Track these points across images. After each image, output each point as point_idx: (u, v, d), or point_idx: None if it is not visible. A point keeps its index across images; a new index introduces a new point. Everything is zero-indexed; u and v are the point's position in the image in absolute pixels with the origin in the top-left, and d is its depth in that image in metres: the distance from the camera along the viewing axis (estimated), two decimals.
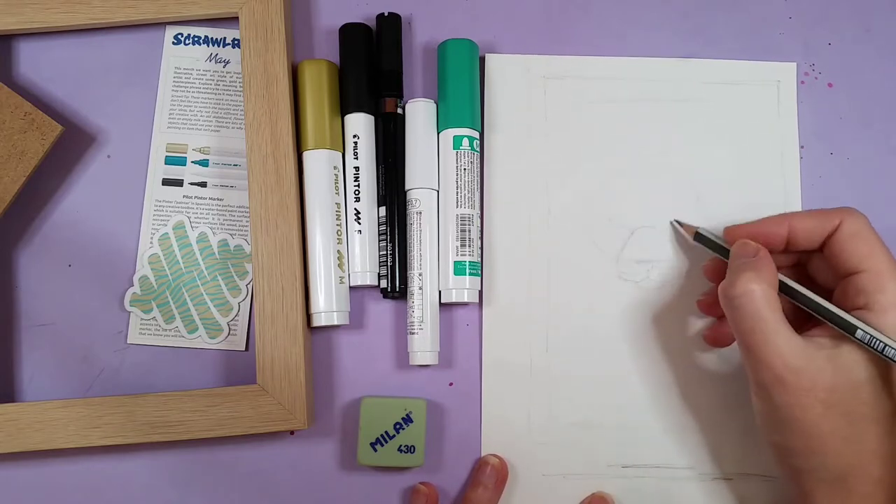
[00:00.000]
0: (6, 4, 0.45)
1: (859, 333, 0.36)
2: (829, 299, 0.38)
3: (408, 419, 0.43)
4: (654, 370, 0.46)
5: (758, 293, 0.36)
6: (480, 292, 0.46)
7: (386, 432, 0.43)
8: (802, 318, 0.39)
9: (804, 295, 0.38)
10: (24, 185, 0.44)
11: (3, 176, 0.44)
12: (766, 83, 0.48)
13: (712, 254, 0.43)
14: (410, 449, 0.43)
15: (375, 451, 0.43)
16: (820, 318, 0.38)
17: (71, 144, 0.47)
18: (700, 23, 0.49)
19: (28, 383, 0.46)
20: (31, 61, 0.48)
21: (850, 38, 0.49)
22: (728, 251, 0.41)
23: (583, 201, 0.47)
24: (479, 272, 0.45)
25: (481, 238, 0.46)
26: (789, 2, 0.49)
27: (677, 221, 0.46)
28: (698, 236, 0.43)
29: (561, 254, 0.46)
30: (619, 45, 0.48)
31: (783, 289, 0.38)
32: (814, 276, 0.42)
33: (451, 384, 0.46)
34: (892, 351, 0.35)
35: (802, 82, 0.48)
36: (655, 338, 0.46)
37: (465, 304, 0.46)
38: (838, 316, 0.37)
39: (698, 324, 0.46)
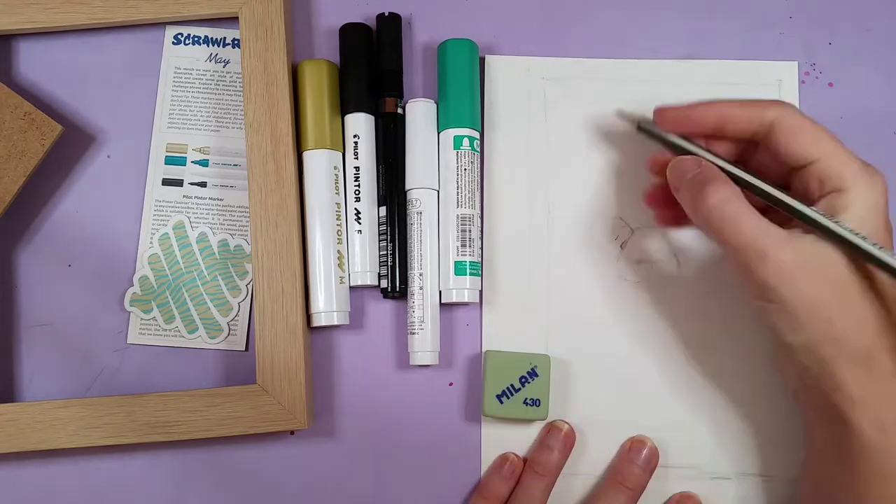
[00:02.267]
0: (6, 4, 0.45)
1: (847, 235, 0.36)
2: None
3: (533, 373, 0.44)
4: (653, 370, 0.46)
5: (727, 198, 0.37)
6: (480, 292, 0.46)
7: (511, 385, 0.44)
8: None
9: (766, 191, 0.38)
10: (24, 185, 0.44)
11: (3, 176, 0.44)
12: (767, 83, 0.48)
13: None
14: (536, 402, 0.43)
15: (501, 403, 0.43)
16: (776, 206, 0.38)
17: (71, 144, 0.47)
18: (700, 23, 0.49)
19: (28, 383, 0.46)
20: (31, 61, 0.48)
21: (850, 38, 0.49)
22: (671, 143, 0.41)
23: (583, 201, 0.47)
24: (480, 272, 0.46)
25: (481, 238, 0.46)
26: (789, 2, 0.49)
27: (621, 111, 0.45)
28: (640, 129, 0.43)
29: (561, 254, 0.46)
30: (619, 46, 0.48)
31: (753, 190, 0.38)
32: (760, 170, 0.41)
33: (451, 384, 0.46)
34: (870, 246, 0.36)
35: (803, 82, 0.48)
36: (655, 338, 0.46)
37: (465, 304, 0.46)
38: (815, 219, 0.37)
39: (698, 324, 0.46)
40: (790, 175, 0.39)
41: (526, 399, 0.44)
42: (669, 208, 0.44)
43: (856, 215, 0.36)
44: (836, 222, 0.36)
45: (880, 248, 0.36)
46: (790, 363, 0.39)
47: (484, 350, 0.46)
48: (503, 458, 0.45)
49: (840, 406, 0.37)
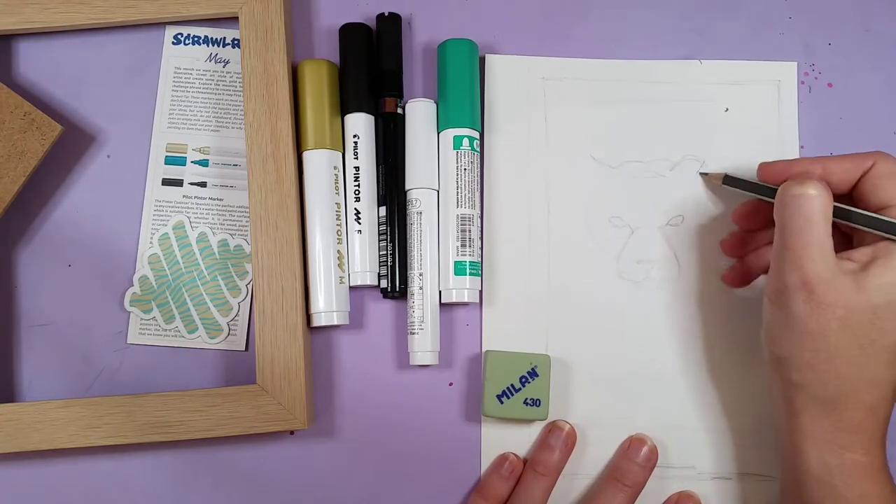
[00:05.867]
0: (6, 4, 0.45)
1: None
2: (851, 242, 0.40)
3: (533, 373, 0.44)
4: (653, 370, 0.46)
5: (817, 199, 0.37)
6: (480, 292, 0.46)
7: (512, 385, 0.44)
8: (837, 245, 0.39)
9: (862, 213, 0.39)
10: (24, 185, 0.44)
11: (3, 176, 0.44)
12: (767, 83, 0.48)
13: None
14: (536, 402, 0.44)
15: (502, 402, 0.44)
16: (882, 234, 0.38)
17: (71, 144, 0.47)
18: (700, 23, 0.49)
19: (28, 383, 0.46)
20: (31, 61, 0.48)
21: (850, 38, 0.49)
22: (763, 187, 0.42)
23: (583, 201, 0.47)
24: (480, 272, 0.46)
25: (481, 238, 0.46)
26: (789, 2, 0.49)
27: (703, 173, 0.46)
28: (728, 179, 0.44)
29: (561, 254, 0.46)
30: (619, 46, 0.48)
31: (837, 212, 0.39)
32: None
33: (451, 384, 0.46)
34: None
35: (802, 82, 0.48)
36: (655, 338, 0.46)
37: (465, 304, 0.46)
38: None
39: (698, 324, 0.46)
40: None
41: (526, 399, 0.44)
42: (742, 259, 0.45)
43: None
44: None
45: None
46: (772, 364, 0.40)
47: (484, 350, 0.46)
48: (503, 458, 0.45)
49: (793, 432, 0.39)
